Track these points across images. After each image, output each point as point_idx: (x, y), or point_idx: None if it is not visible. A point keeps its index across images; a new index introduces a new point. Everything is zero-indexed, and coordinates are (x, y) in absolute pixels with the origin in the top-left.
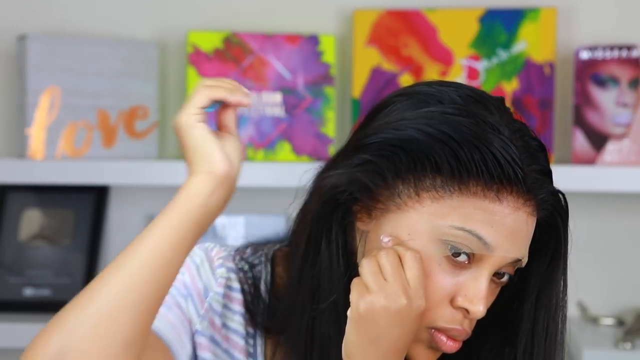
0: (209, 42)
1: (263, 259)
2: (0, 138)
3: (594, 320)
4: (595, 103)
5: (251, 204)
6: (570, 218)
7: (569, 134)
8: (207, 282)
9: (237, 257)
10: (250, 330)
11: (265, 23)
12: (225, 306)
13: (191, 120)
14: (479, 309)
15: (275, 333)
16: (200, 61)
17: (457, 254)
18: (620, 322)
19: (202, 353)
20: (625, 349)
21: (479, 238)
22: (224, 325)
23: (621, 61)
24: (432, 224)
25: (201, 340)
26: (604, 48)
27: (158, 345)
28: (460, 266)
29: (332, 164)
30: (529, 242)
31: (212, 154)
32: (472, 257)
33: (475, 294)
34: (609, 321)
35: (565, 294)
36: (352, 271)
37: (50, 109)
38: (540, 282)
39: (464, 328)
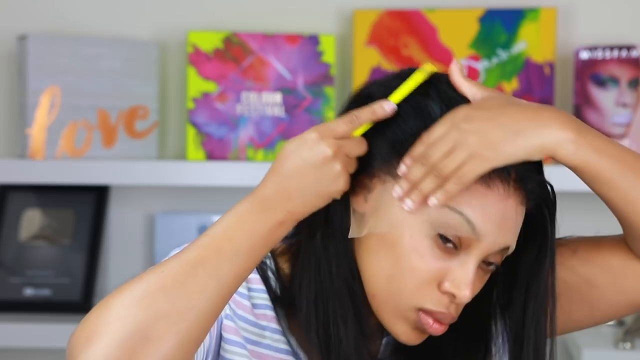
0: (209, 42)
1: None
2: (0, 138)
3: None
4: (595, 103)
5: None
6: (564, 214)
7: None
8: None
9: None
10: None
11: (265, 23)
12: (248, 289)
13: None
14: (465, 294)
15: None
16: (200, 61)
17: (446, 240)
18: (620, 322)
19: (228, 335)
20: (625, 349)
21: (468, 221)
22: (253, 305)
23: (621, 61)
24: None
25: (229, 324)
26: (604, 48)
27: None
28: (449, 252)
29: None
30: (518, 231)
31: (316, 201)
32: (460, 244)
33: (462, 279)
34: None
35: (554, 285)
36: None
37: (51, 109)
38: (528, 274)
39: (450, 312)
